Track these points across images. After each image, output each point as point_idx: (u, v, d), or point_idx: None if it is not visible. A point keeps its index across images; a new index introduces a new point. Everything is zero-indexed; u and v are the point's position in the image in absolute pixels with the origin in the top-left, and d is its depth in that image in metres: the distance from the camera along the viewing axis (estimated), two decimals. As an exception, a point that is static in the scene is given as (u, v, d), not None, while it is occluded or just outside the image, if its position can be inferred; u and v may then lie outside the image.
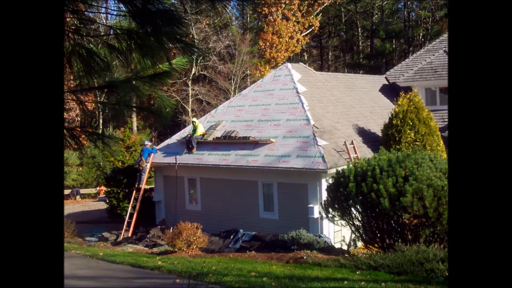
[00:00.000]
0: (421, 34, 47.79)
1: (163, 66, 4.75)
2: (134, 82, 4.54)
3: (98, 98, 4.66)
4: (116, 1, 3.87)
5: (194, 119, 18.49)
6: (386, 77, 25.57)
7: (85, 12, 4.13)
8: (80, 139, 4.64)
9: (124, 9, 3.88)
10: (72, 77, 4.30)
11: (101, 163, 31.44)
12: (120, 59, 4.09)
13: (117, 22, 4.08)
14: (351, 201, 11.11)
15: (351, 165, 11.79)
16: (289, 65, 19.25)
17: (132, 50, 3.88)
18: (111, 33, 3.93)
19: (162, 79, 4.68)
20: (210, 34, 34.86)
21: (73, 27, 4.03)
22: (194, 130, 17.44)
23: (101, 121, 36.69)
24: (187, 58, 4.62)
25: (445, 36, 26.14)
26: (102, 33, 4.28)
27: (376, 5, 48.46)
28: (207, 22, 34.88)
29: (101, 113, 32.97)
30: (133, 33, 3.85)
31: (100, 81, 4.50)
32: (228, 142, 16.51)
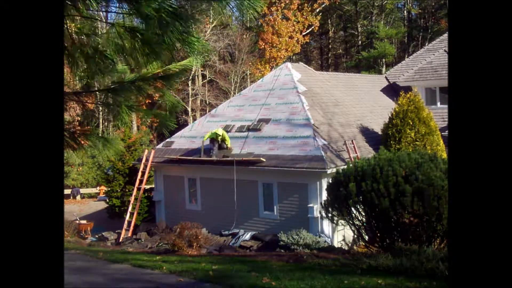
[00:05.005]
0: (420, 34, 47.77)
1: (172, 67, 4.53)
2: (138, 83, 4.35)
3: (99, 99, 4.50)
4: (117, 1, 3.79)
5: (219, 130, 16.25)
6: (386, 77, 25.60)
7: (87, 11, 4.05)
8: (80, 139, 4.58)
9: (125, 7, 3.78)
10: (72, 78, 4.21)
11: (102, 163, 31.45)
12: (125, 58, 3.96)
13: (119, 20, 3.93)
14: (351, 200, 11.12)
15: (351, 165, 11.79)
16: (289, 64, 19.24)
17: (135, 48, 3.71)
18: (113, 31, 3.79)
19: (169, 81, 4.45)
20: (210, 34, 34.87)
21: (75, 26, 3.96)
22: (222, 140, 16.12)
23: (101, 121, 36.68)
24: (194, 57, 4.31)
25: (445, 35, 26.15)
26: (104, 32, 4.14)
27: (376, 4, 48.43)
28: (207, 22, 34.88)
29: (101, 113, 32.98)
30: (136, 31, 3.69)
31: (105, 81, 4.35)
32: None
